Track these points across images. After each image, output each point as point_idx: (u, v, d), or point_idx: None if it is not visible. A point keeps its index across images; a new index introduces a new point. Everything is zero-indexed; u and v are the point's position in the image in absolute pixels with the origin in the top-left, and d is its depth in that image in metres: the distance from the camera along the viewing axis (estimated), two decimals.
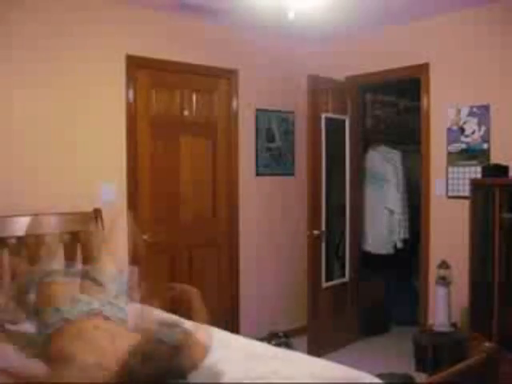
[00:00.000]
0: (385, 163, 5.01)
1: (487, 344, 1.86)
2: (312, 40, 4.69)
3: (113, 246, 2.48)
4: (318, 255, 4.29)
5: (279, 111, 4.71)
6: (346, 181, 4.55)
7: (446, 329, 3.70)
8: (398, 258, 5.06)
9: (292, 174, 4.83)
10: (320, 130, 4.27)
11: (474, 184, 3.57)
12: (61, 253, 3.18)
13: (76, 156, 3.50)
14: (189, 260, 4.15)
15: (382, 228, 4.99)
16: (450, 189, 4.01)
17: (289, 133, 4.80)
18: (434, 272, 3.92)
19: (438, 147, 4.09)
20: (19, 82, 3.25)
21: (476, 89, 3.85)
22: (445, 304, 3.71)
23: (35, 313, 2.12)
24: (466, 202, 3.62)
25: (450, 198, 4.01)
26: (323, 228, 4.30)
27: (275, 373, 2.06)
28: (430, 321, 4.00)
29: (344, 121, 4.53)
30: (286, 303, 4.75)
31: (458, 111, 3.95)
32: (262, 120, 4.58)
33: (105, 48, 3.62)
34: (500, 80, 3.70)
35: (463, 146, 3.93)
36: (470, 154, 3.89)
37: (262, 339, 3.50)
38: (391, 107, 5.68)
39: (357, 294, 4.69)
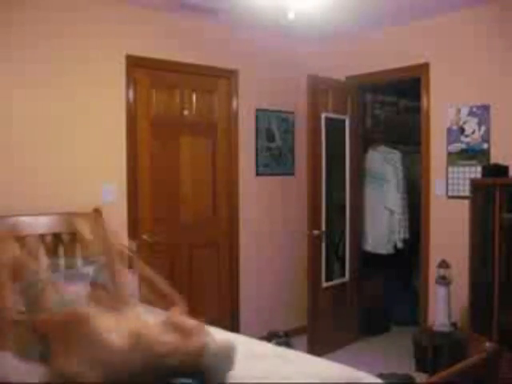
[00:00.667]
0: (385, 163, 5.01)
1: (487, 344, 1.86)
2: (312, 40, 4.69)
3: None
4: (318, 255, 4.29)
5: (279, 111, 4.71)
6: (346, 181, 4.55)
7: (446, 329, 3.69)
8: (398, 257, 5.06)
9: (292, 174, 4.84)
10: (320, 130, 4.27)
11: (474, 184, 3.57)
12: (61, 252, 3.19)
13: (76, 156, 3.50)
14: (189, 260, 4.15)
15: (382, 228, 4.99)
16: (450, 189, 4.01)
17: (289, 133, 4.80)
18: (433, 272, 3.92)
19: (438, 147, 4.09)
20: (19, 81, 3.25)
21: (476, 89, 3.85)
22: (445, 304, 3.71)
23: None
24: (466, 202, 3.62)
25: (449, 198, 4.01)
26: (323, 228, 4.30)
27: (275, 372, 2.07)
28: (430, 321, 4.00)
29: (344, 121, 4.53)
30: (286, 303, 4.75)
31: (458, 111, 3.95)
32: (262, 120, 4.58)
33: (105, 48, 3.62)
34: (500, 80, 3.70)
35: (463, 145, 3.93)
36: (470, 154, 3.89)
37: (261, 339, 3.49)
38: (391, 107, 5.68)
39: (357, 293, 4.69)
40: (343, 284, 4.56)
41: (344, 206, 4.56)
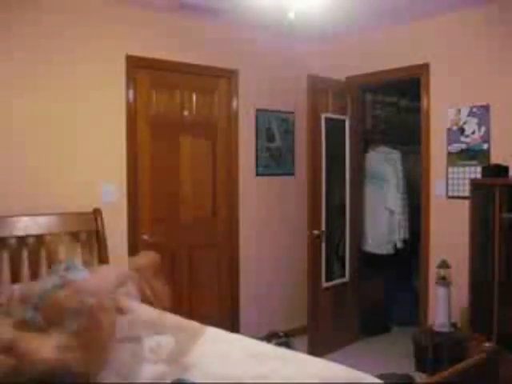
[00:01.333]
0: (385, 163, 5.01)
1: (487, 344, 1.86)
2: (312, 40, 4.69)
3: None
4: (318, 255, 4.28)
5: (279, 111, 4.71)
6: (345, 181, 4.55)
7: (445, 329, 3.69)
8: (398, 257, 5.06)
9: (292, 174, 4.83)
10: (320, 130, 4.27)
11: (474, 184, 3.57)
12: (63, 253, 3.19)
13: (76, 156, 3.50)
14: (189, 260, 4.15)
15: (382, 228, 4.99)
16: (450, 189, 4.01)
17: (289, 133, 4.80)
18: (433, 272, 3.92)
19: (438, 147, 4.09)
20: (19, 82, 3.25)
21: (476, 89, 3.85)
22: (445, 304, 3.71)
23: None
24: (466, 202, 3.62)
25: (449, 198, 4.01)
26: (323, 228, 4.30)
27: (275, 372, 2.06)
28: (430, 321, 4.00)
29: (344, 121, 4.53)
30: (286, 303, 4.75)
31: (458, 111, 3.95)
32: (261, 120, 4.58)
33: (105, 48, 3.62)
34: (500, 80, 3.70)
35: (463, 146, 3.93)
36: (470, 154, 3.89)
37: (261, 339, 3.49)
38: (391, 107, 5.68)
39: (357, 293, 4.69)
40: (343, 284, 4.56)
41: (344, 206, 4.55)
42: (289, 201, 4.78)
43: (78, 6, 3.48)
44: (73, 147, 3.48)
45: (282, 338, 4.25)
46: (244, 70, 4.40)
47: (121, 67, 3.70)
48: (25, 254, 3.11)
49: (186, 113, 4.14)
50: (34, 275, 3.07)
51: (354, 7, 3.81)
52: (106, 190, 3.63)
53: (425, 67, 4.12)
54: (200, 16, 4.00)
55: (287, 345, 4.05)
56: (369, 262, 4.92)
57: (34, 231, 3.13)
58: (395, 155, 5.06)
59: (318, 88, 4.25)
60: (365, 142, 4.99)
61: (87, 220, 3.39)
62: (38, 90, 3.32)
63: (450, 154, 4.01)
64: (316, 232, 4.22)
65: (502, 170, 3.47)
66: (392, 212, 4.96)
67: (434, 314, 3.88)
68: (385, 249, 5.00)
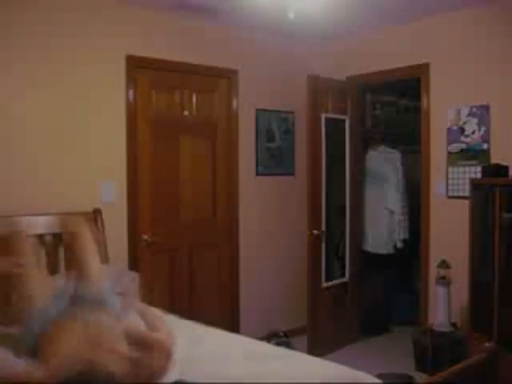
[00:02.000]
0: (385, 163, 5.01)
1: (487, 344, 1.86)
2: (312, 40, 4.69)
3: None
4: (318, 255, 4.29)
5: (279, 111, 4.71)
6: (346, 181, 4.55)
7: (445, 329, 3.70)
8: (398, 257, 5.06)
9: (292, 174, 4.83)
10: (320, 130, 4.27)
11: (474, 184, 3.57)
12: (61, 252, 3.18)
13: (76, 156, 3.50)
14: (189, 260, 4.15)
15: (382, 228, 4.98)
16: (450, 189, 4.01)
17: (289, 133, 4.80)
18: (433, 272, 3.92)
19: (438, 147, 4.09)
20: (19, 82, 3.25)
21: (476, 89, 3.85)
22: (445, 304, 3.71)
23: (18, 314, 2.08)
24: (466, 202, 3.62)
25: (449, 198, 4.01)
26: (323, 228, 4.30)
27: (275, 372, 2.06)
28: (430, 321, 4.00)
29: (344, 121, 4.53)
30: (286, 303, 4.75)
31: (458, 111, 3.95)
32: (262, 120, 4.58)
33: (105, 48, 3.62)
34: (500, 80, 3.70)
35: (463, 146, 3.93)
36: (470, 153, 3.89)
37: (261, 339, 3.50)
38: (391, 107, 5.68)
39: (357, 293, 4.69)
40: (343, 284, 4.56)
41: (344, 206, 4.56)
42: (289, 201, 4.78)
43: (78, 6, 3.48)
44: (73, 147, 3.48)
45: (282, 337, 4.25)
46: (244, 70, 4.40)
47: (121, 67, 3.70)
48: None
49: (186, 113, 4.14)
50: None
51: (354, 7, 3.81)
52: (106, 189, 3.63)
53: (425, 67, 4.12)
54: (200, 16, 4.00)
55: (287, 345, 4.05)
56: (369, 262, 4.92)
57: (34, 231, 3.13)
58: (395, 155, 5.06)
59: (318, 88, 4.25)
60: (365, 142, 4.98)
61: (87, 220, 3.38)
62: (38, 90, 3.32)
63: (450, 153, 4.01)
64: (316, 232, 4.22)
65: (502, 169, 3.47)
66: (392, 212, 4.96)
67: (434, 313, 3.88)
68: (385, 249, 4.99)
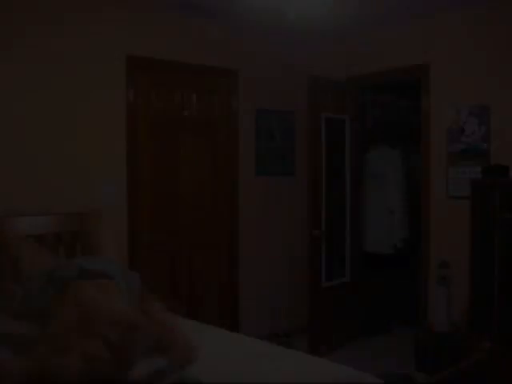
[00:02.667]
0: (385, 163, 5.01)
1: (487, 344, 1.86)
2: (312, 40, 4.69)
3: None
4: (317, 255, 4.29)
5: (279, 111, 4.71)
6: (346, 181, 4.55)
7: (446, 329, 3.70)
8: (398, 257, 5.06)
9: (292, 174, 4.83)
10: (320, 130, 4.27)
11: (474, 184, 3.57)
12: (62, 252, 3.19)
13: (76, 156, 3.50)
14: (189, 260, 4.15)
15: (382, 228, 4.99)
16: (450, 189, 4.01)
17: (289, 133, 4.80)
18: (434, 272, 3.92)
19: (438, 147, 4.09)
20: (19, 82, 3.25)
21: (476, 89, 3.85)
22: (445, 304, 3.71)
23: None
24: (466, 202, 3.61)
25: (450, 198, 4.01)
26: (323, 228, 4.30)
27: (275, 372, 2.06)
28: (430, 321, 4.00)
29: (344, 121, 4.53)
30: (286, 303, 4.75)
31: (458, 111, 3.95)
32: (262, 120, 4.58)
33: (105, 48, 3.62)
34: (500, 80, 3.70)
35: (463, 146, 3.93)
36: (470, 154, 3.88)
37: (262, 339, 3.49)
38: (391, 107, 5.68)
39: (357, 293, 4.69)
40: (343, 284, 4.56)
41: (344, 206, 4.56)
42: (289, 201, 4.78)
43: (78, 6, 3.48)
44: (73, 147, 3.48)
45: (282, 337, 4.25)
46: (244, 70, 4.40)
47: (121, 67, 3.70)
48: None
49: (186, 113, 4.14)
50: None
51: (354, 7, 3.81)
52: (106, 190, 3.63)
53: (425, 67, 4.12)
54: (200, 16, 4.00)
55: (287, 344, 4.05)
56: (369, 262, 4.92)
57: (34, 231, 3.13)
58: (395, 155, 5.06)
59: (318, 88, 4.25)
60: (365, 142, 4.98)
61: (87, 220, 3.39)
62: (38, 90, 3.32)
63: (450, 153, 4.01)
64: (316, 232, 4.22)
65: (502, 170, 3.47)
66: (392, 212, 4.96)
67: (434, 313, 3.88)
68: (385, 249, 5.00)
